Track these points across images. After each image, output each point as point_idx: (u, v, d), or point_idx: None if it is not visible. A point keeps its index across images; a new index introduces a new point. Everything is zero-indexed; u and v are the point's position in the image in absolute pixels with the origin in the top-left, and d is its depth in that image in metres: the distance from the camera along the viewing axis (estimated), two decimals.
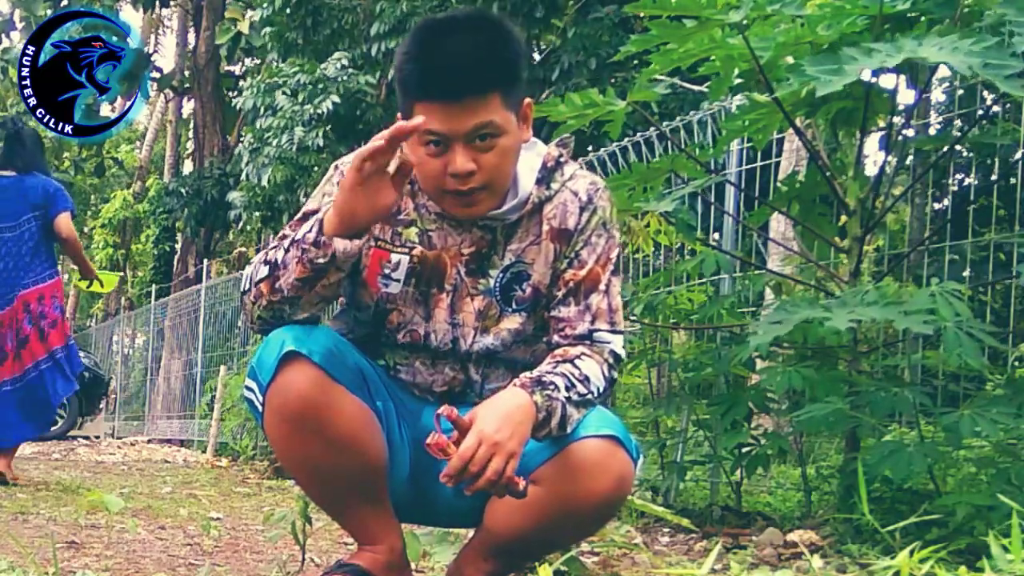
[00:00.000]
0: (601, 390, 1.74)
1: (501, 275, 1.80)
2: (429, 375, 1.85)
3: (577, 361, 1.73)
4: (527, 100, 1.74)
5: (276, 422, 1.74)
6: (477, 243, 1.79)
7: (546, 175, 1.79)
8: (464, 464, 1.51)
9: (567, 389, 1.67)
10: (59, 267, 5.01)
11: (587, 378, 1.71)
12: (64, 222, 4.84)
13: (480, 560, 1.85)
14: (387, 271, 1.80)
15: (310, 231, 1.67)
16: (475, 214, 1.73)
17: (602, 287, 1.80)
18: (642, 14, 3.15)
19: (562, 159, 1.82)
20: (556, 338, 1.80)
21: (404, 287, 1.80)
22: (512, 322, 1.81)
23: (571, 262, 1.80)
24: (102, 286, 5.48)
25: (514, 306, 1.81)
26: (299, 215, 1.79)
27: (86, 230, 21.98)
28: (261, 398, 1.76)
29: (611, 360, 1.78)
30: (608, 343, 1.78)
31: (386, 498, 1.83)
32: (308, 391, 1.68)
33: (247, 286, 1.74)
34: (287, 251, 1.69)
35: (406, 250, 1.80)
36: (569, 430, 1.69)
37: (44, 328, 4.81)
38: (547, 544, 1.90)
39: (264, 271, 1.71)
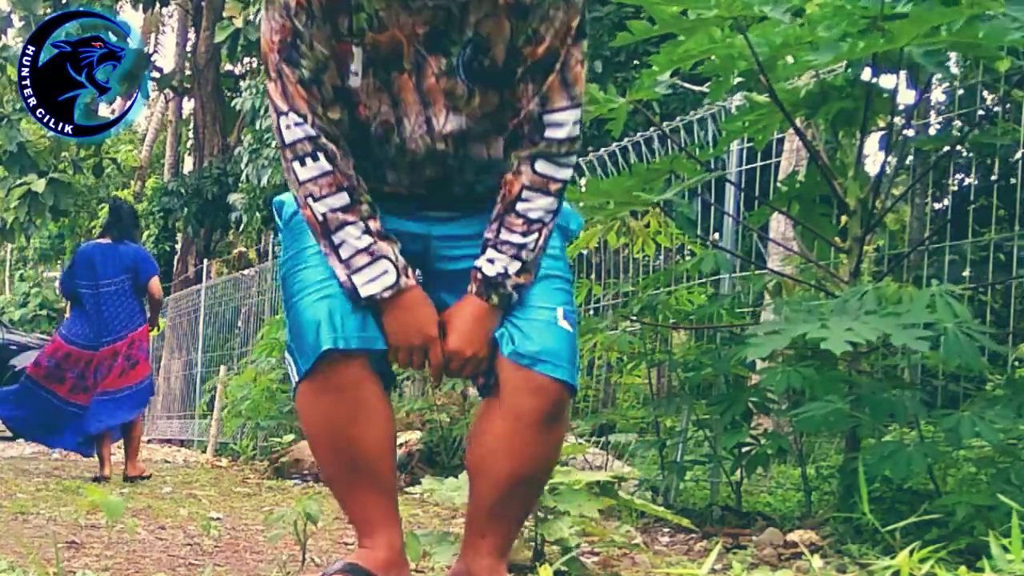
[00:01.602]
0: (554, 210, 1.82)
1: (462, 51, 1.76)
2: (415, 176, 1.86)
3: (519, 205, 1.80)
4: None
5: (309, 400, 1.83)
6: (431, 21, 1.74)
7: None
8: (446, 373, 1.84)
9: (515, 259, 1.80)
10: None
11: (531, 221, 1.80)
12: (156, 284, 5.99)
13: (478, 539, 1.88)
14: (348, 63, 1.78)
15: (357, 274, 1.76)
16: None
17: (558, 65, 1.77)
18: (642, 12, 3.15)
19: None
20: (512, 124, 1.80)
21: (363, 79, 1.78)
22: (479, 97, 1.79)
23: (528, 39, 1.76)
24: (158, 331, 6.78)
25: (478, 80, 1.78)
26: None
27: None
28: (297, 378, 1.84)
29: (560, 151, 1.79)
30: (560, 126, 1.78)
31: (392, 488, 1.88)
32: (343, 393, 1.78)
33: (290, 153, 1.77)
34: (335, 234, 1.76)
35: (359, 39, 1.76)
36: (531, 279, 1.83)
37: (126, 368, 5.80)
38: (526, 481, 1.88)
39: (308, 179, 1.76)
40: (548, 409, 1.80)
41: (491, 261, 1.81)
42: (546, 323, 1.82)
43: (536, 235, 1.81)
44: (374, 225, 1.77)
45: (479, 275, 1.81)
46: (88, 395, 5.76)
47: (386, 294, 1.76)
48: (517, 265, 1.80)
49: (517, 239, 1.80)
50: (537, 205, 1.80)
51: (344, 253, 1.76)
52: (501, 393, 1.82)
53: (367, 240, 1.76)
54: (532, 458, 1.84)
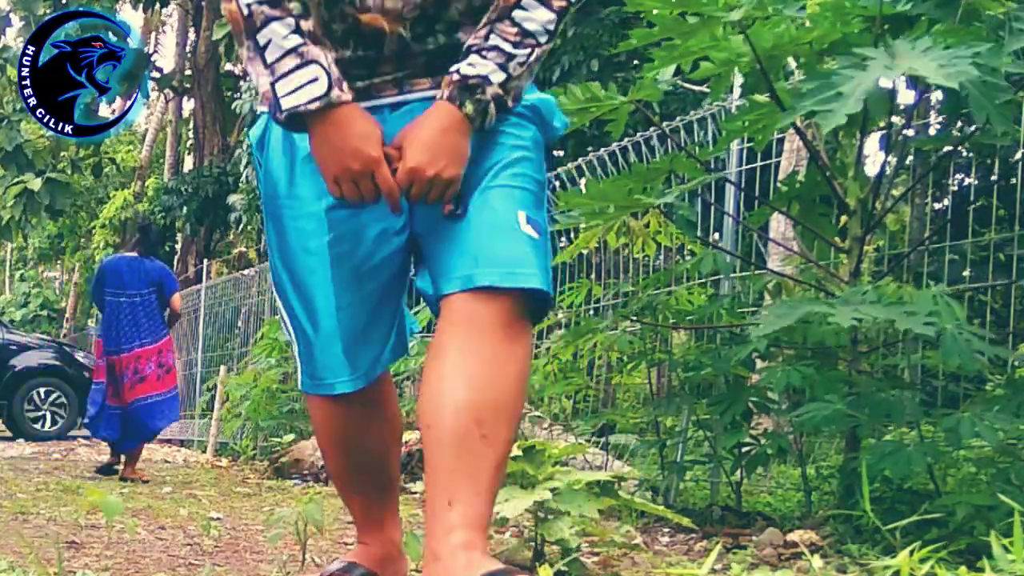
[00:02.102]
0: (551, 30, 1.60)
1: None
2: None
3: (516, 12, 1.57)
4: None
5: (320, 405, 1.81)
6: None
7: None
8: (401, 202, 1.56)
9: (500, 68, 1.56)
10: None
11: (526, 33, 1.57)
12: (177, 299, 6.71)
13: (444, 510, 1.48)
14: None
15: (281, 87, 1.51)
16: None
17: None
18: (642, 14, 3.15)
19: None
20: None
21: None
22: None
23: None
24: None
25: None
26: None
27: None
28: (304, 391, 1.82)
29: None
30: None
31: (395, 486, 1.91)
32: (357, 403, 1.76)
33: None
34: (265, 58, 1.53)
35: None
36: (512, 103, 1.61)
37: (161, 374, 6.38)
38: (491, 409, 1.53)
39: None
40: (507, 312, 1.54)
41: (472, 65, 1.56)
42: (506, 229, 1.58)
43: (528, 51, 1.57)
44: (306, 25, 1.53)
45: (455, 76, 1.56)
46: (122, 397, 6.15)
47: (312, 106, 1.50)
48: (501, 76, 1.56)
49: (507, 47, 1.56)
50: (536, 16, 1.58)
51: (270, 55, 1.52)
52: (452, 316, 1.56)
53: (295, 40, 1.51)
54: (495, 374, 1.51)
